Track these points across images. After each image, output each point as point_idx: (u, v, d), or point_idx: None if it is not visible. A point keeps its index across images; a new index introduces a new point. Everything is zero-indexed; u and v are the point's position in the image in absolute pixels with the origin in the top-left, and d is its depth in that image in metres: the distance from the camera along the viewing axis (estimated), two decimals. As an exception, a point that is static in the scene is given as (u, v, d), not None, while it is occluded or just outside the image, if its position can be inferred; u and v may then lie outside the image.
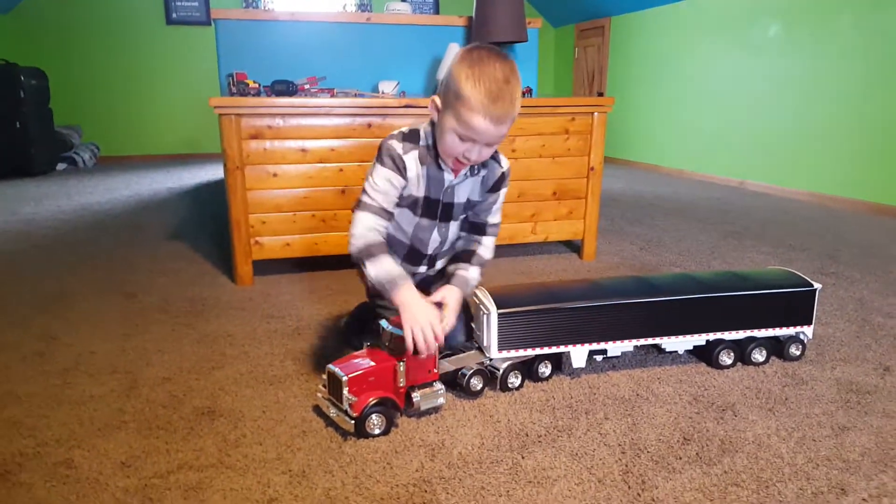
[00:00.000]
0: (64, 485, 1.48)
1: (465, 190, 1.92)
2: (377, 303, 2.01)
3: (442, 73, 3.55)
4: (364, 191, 1.81)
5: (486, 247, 2.00)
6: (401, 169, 1.80)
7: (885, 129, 4.90)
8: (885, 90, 4.88)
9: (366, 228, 1.75)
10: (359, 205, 1.79)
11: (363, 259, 1.72)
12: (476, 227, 2.02)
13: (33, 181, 6.28)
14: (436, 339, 1.68)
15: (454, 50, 3.57)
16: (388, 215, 1.82)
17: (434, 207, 1.91)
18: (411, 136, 1.83)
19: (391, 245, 1.90)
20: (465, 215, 2.00)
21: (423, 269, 2.05)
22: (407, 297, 1.69)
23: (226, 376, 2.03)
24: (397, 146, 1.80)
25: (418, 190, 1.86)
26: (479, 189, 1.96)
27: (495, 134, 1.68)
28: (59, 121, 7.44)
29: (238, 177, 2.82)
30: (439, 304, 1.80)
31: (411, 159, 1.81)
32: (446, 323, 1.77)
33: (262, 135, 2.82)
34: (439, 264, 2.09)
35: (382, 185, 1.79)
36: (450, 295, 1.84)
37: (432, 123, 1.82)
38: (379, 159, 1.81)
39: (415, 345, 1.67)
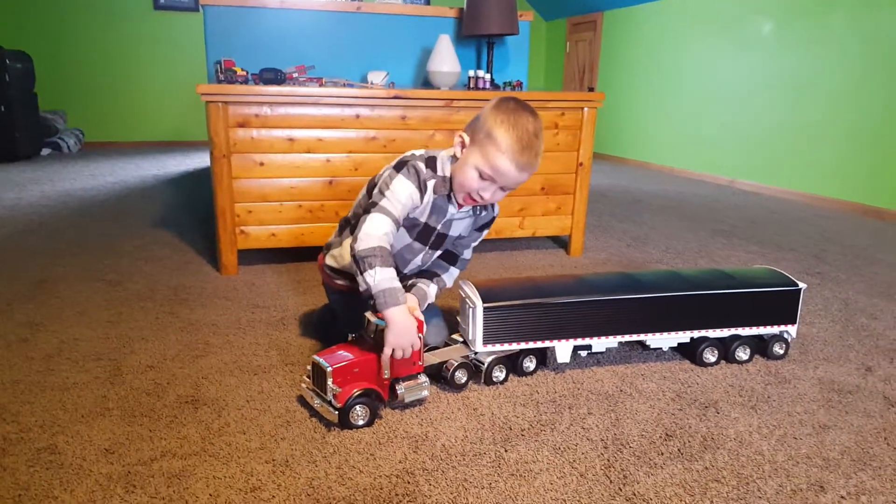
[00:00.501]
0: (47, 470, 1.47)
1: (461, 225, 1.99)
2: (332, 297, 2.11)
3: (432, 66, 3.55)
4: (382, 194, 1.78)
5: (451, 276, 2.09)
6: (422, 190, 1.82)
7: (875, 131, 4.93)
8: (876, 91, 4.91)
9: (382, 232, 1.70)
10: (376, 207, 1.75)
11: (371, 261, 1.65)
12: (449, 257, 2.09)
13: (17, 166, 6.22)
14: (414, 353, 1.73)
15: (445, 42, 3.56)
16: (399, 227, 1.80)
17: (429, 234, 1.95)
18: (431, 163, 1.86)
19: None
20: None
21: None
22: (398, 316, 1.66)
23: (210, 365, 2.03)
24: (423, 169, 1.82)
25: (423, 216, 1.89)
26: (471, 227, 2.03)
27: (515, 179, 1.77)
28: (44, 105, 7.37)
29: (224, 165, 2.80)
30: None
31: (430, 186, 1.84)
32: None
33: (250, 123, 2.81)
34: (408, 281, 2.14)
35: (405, 197, 1.78)
36: (409, 301, 1.85)
37: (454, 157, 1.86)
38: (404, 173, 1.80)
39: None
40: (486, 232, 2.10)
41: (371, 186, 1.92)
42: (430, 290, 2.01)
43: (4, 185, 5.18)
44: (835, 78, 5.24)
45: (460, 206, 1.90)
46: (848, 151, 5.16)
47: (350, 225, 2.00)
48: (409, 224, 1.90)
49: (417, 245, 1.96)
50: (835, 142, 5.27)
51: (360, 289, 1.69)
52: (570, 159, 3.31)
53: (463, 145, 1.81)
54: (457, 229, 1.99)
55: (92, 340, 2.20)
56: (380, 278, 1.65)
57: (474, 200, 1.85)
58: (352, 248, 1.70)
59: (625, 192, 5.73)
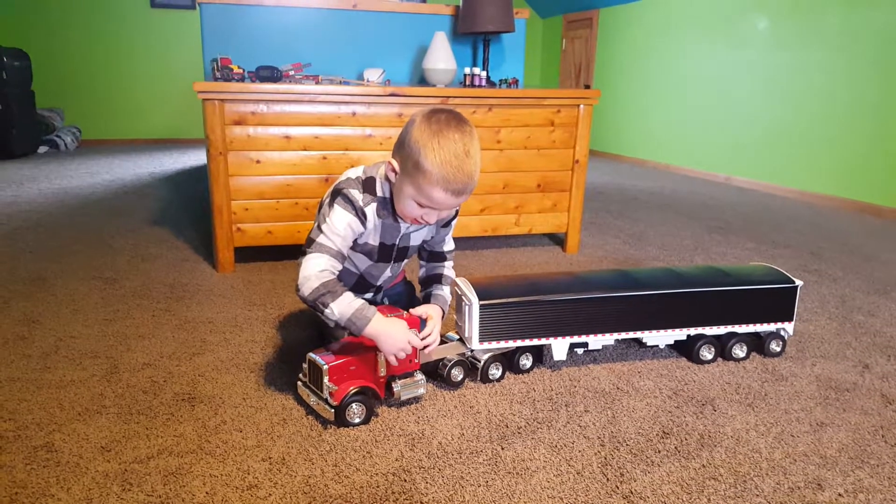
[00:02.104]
0: (44, 468, 1.47)
1: (420, 235, 1.97)
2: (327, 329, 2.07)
3: (428, 63, 3.55)
4: (319, 231, 1.74)
5: (449, 269, 2.07)
6: (361, 218, 1.78)
7: (871, 128, 4.93)
8: (871, 88, 4.91)
9: (319, 270, 1.67)
10: (311, 245, 1.72)
11: (323, 300, 1.64)
12: (435, 256, 2.06)
13: (14, 164, 6.20)
14: (412, 350, 1.74)
15: (441, 39, 3.55)
16: (343, 258, 1.77)
17: (389, 251, 1.94)
18: (368, 186, 1.80)
19: (340, 276, 1.90)
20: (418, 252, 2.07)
21: (369, 295, 2.09)
22: (379, 328, 1.66)
23: (206, 363, 2.02)
24: (358, 196, 1.77)
25: (374, 238, 1.87)
26: (433, 230, 2.00)
27: (455, 203, 1.72)
28: (41, 103, 7.35)
29: (221, 163, 2.80)
30: (421, 318, 1.84)
31: (371, 211, 1.80)
32: (431, 339, 1.81)
33: (246, 121, 2.80)
34: (384, 290, 2.16)
35: (342, 228, 1.75)
36: (433, 311, 1.87)
37: (388, 180, 1.79)
38: (339, 202, 1.77)
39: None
40: (454, 222, 2.03)
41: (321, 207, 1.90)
42: (446, 291, 2.02)
43: (1, 182, 5.16)
44: (830, 75, 5.24)
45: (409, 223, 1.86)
46: (844, 148, 5.17)
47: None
48: (363, 250, 1.90)
49: (381, 264, 1.98)
50: (831, 139, 5.27)
51: (330, 325, 1.71)
52: (566, 156, 3.31)
53: (395, 172, 1.73)
54: (417, 239, 1.97)
55: (89, 338, 2.19)
56: (340, 310, 1.64)
57: (420, 223, 1.81)
58: (299, 294, 1.67)
59: (621, 189, 5.73)
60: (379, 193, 1.80)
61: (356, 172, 1.84)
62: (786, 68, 5.66)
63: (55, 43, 7.62)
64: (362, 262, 1.96)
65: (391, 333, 1.67)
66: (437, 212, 1.74)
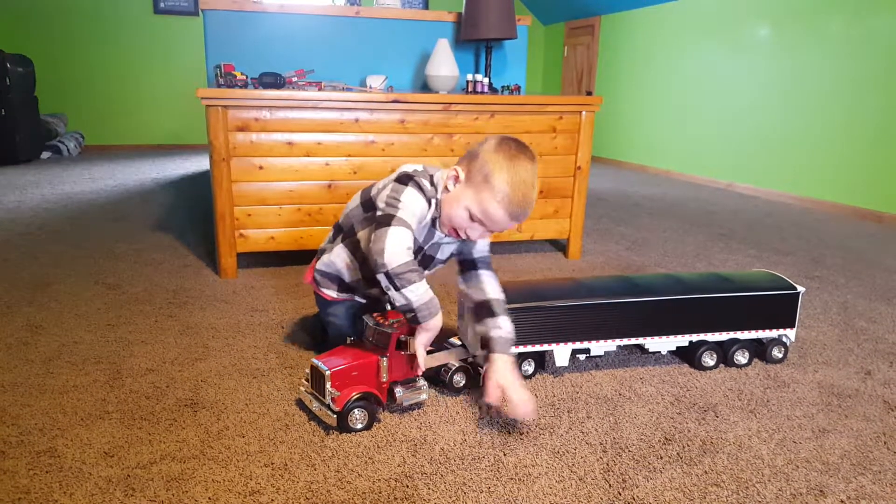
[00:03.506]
0: (47, 473, 1.47)
1: (449, 248, 1.94)
2: (328, 312, 2.04)
3: (430, 70, 3.56)
4: (394, 206, 1.68)
5: (491, 285, 1.89)
6: (428, 204, 1.76)
7: (872, 135, 4.94)
8: (873, 95, 4.92)
9: (406, 246, 1.63)
10: (394, 219, 1.65)
11: (409, 276, 1.60)
12: (466, 264, 1.94)
13: (17, 169, 6.22)
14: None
15: (443, 46, 3.56)
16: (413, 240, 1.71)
17: (417, 253, 1.87)
18: (433, 183, 1.79)
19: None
20: (441, 266, 2.00)
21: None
22: (436, 324, 1.68)
23: (209, 368, 2.03)
24: (428, 186, 1.76)
25: (419, 236, 1.83)
26: (461, 246, 1.95)
27: (505, 225, 1.73)
28: (44, 109, 7.38)
29: (224, 169, 2.81)
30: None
31: (433, 204, 1.79)
32: (515, 398, 1.68)
33: (249, 127, 2.81)
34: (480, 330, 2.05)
35: (418, 210, 1.72)
36: (503, 370, 1.73)
37: (446, 188, 1.78)
38: (412, 185, 1.73)
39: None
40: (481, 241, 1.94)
41: (366, 198, 1.88)
42: (504, 326, 1.81)
43: (5, 188, 5.18)
44: (832, 81, 5.25)
45: (446, 234, 1.85)
46: (845, 155, 5.17)
47: (343, 231, 1.96)
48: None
49: None
50: (832, 145, 5.28)
51: (396, 303, 1.64)
52: (568, 163, 3.32)
53: (457, 179, 1.74)
54: (444, 252, 1.93)
55: (91, 343, 2.20)
56: (420, 293, 1.62)
57: (458, 235, 1.80)
58: (379, 264, 1.60)
59: (623, 195, 5.74)
60: (438, 194, 1.79)
61: (420, 167, 1.82)
62: (787, 75, 5.66)
63: (58, 49, 7.65)
64: None
65: (437, 330, 1.70)
66: (482, 230, 1.75)
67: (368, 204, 1.86)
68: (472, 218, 1.73)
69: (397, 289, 1.61)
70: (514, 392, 1.68)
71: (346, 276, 1.96)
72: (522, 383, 1.74)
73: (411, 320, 1.67)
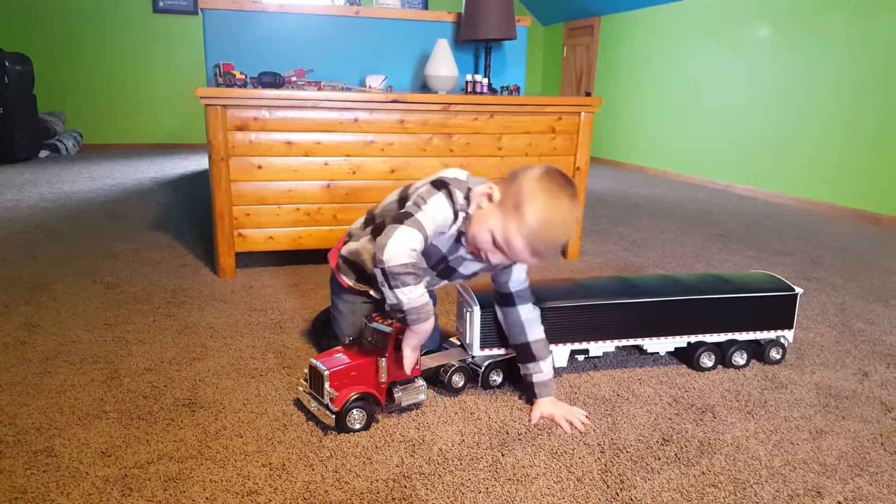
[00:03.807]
0: (44, 473, 1.47)
1: (474, 266, 1.86)
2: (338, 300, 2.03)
3: (430, 70, 3.56)
4: (418, 207, 1.66)
5: (531, 327, 1.86)
6: (455, 218, 1.70)
7: (871, 136, 4.94)
8: (871, 96, 4.92)
9: (411, 247, 1.60)
10: (408, 219, 1.63)
11: (405, 279, 1.58)
12: (504, 299, 1.88)
13: (15, 168, 6.21)
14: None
15: (443, 46, 3.56)
16: (426, 244, 1.67)
17: (440, 262, 1.83)
18: (468, 196, 1.71)
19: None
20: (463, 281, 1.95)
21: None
22: (427, 329, 1.64)
23: (207, 368, 2.03)
24: (461, 198, 1.69)
25: (444, 245, 1.79)
26: (489, 267, 1.85)
27: (525, 259, 1.66)
28: (42, 107, 7.38)
29: (223, 168, 2.81)
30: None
31: (461, 218, 1.71)
32: (564, 425, 1.75)
33: (248, 126, 2.81)
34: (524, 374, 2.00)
35: (440, 218, 1.67)
36: (548, 408, 1.80)
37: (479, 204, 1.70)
38: (444, 192, 1.68)
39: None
40: (514, 269, 1.85)
41: (403, 195, 1.83)
42: (545, 369, 1.85)
43: (3, 186, 5.17)
44: (831, 83, 5.26)
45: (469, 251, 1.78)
46: (844, 156, 5.17)
47: (374, 224, 1.92)
48: (427, 250, 1.78)
49: (428, 270, 1.86)
50: (831, 147, 5.28)
51: (388, 302, 1.63)
52: (567, 163, 3.32)
53: (490, 198, 1.65)
54: (468, 269, 1.86)
55: (89, 343, 2.19)
56: (414, 296, 1.59)
57: (480, 256, 1.73)
58: (378, 259, 1.59)
59: (622, 196, 5.74)
60: (470, 209, 1.70)
61: (462, 175, 1.76)
62: (787, 76, 5.67)
63: (57, 47, 7.65)
64: None
65: (426, 334, 1.66)
66: (503, 257, 1.66)
67: (404, 201, 1.80)
68: (494, 242, 1.64)
69: (391, 287, 1.59)
70: (562, 421, 1.75)
71: (368, 268, 1.92)
72: (565, 407, 1.80)
73: (401, 321, 1.65)
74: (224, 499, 1.40)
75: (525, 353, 1.86)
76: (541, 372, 1.83)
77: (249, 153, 2.84)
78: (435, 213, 1.66)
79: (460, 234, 1.74)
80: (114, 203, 4.65)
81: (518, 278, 1.86)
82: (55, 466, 1.49)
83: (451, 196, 1.68)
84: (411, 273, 1.58)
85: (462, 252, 1.79)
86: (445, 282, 1.93)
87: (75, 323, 2.37)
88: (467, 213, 1.70)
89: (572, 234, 1.63)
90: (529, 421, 1.78)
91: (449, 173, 1.76)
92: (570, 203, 1.60)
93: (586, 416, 1.78)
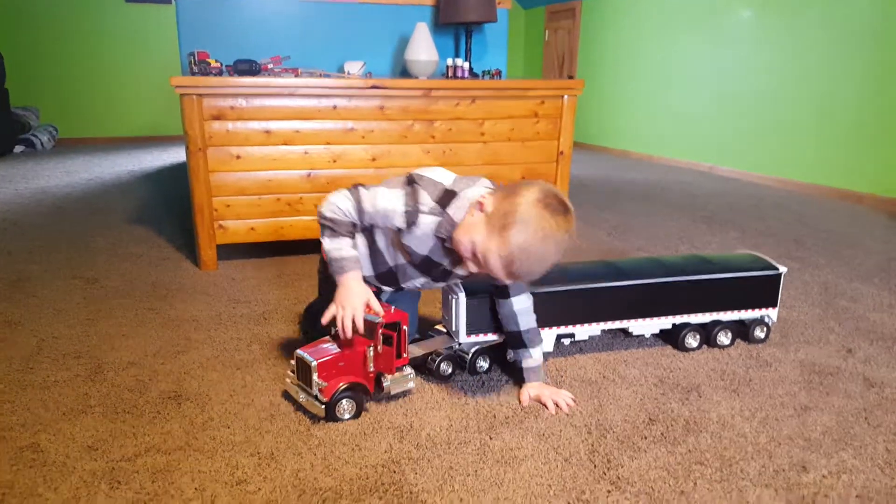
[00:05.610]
0: (30, 468, 1.46)
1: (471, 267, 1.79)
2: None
3: (409, 55, 3.53)
4: (375, 187, 1.69)
5: (524, 317, 1.86)
6: (407, 221, 1.66)
7: (851, 118, 4.97)
8: (851, 78, 4.95)
9: (339, 206, 1.67)
10: (358, 187, 1.70)
11: (327, 227, 1.71)
12: (499, 291, 1.87)
13: (-9, 163, 6.14)
14: (355, 328, 1.65)
15: (422, 30, 3.54)
16: (360, 227, 1.75)
17: (432, 266, 1.79)
18: (445, 199, 1.67)
19: (373, 256, 1.84)
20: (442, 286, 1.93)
21: (389, 289, 1.95)
22: (348, 281, 1.67)
23: (191, 360, 2.01)
24: (426, 202, 1.66)
25: (421, 248, 1.74)
26: None
27: (501, 279, 1.61)
28: (15, 102, 7.27)
29: (200, 159, 2.78)
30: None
31: (422, 222, 1.66)
32: (550, 405, 1.77)
33: (225, 115, 2.78)
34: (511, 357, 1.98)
35: (381, 208, 1.67)
36: (536, 390, 1.81)
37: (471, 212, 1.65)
38: (406, 191, 1.68)
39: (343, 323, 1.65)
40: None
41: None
42: (534, 355, 1.86)
43: (-22, 183, 5.11)
44: (811, 65, 5.28)
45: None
46: (825, 137, 5.20)
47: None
48: (410, 253, 1.77)
49: (422, 279, 1.86)
50: (813, 128, 5.31)
51: (323, 247, 1.74)
52: (550, 148, 3.31)
53: (482, 208, 1.58)
54: (463, 270, 1.78)
55: (71, 338, 2.17)
56: (331, 246, 1.70)
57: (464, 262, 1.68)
58: (319, 209, 1.73)
59: (605, 180, 5.75)
60: (450, 212, 1.65)
61: (447, 178, 1.73)
62: (768, 59, 5.69)
63: (28, 39, 7.52)
64: (400, 259, 1.82)
65: (352, 291, 1.67)
66: (478, 269, 1.62)
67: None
68: (474, 254, 1.58)
69: (322, 234, 1.73)
70: (548, 401, 1.77)
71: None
72: (552, 389, 1.81)
73: (334, 274, 1.71)
74: (213, 489, 1.39)
75: (516, 341, 1.87)
76: (531, 357, 1.86)
77: (227, 143, 2.81)
78: (381, 197, 1.68)
79: (437, 236, 1.69)
80: (92, 197, 4.60)
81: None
82: (41, 461, 1.48)
83: (412, 196, 1.66)
84: (328, 227, 1.71)
85: (437, 257, 1.75)
86: (444, 283, 1.91)
87: (56, 319, 2.35)
88: (448, 216, 1.65)
89: (559, 260, 1.57)
90: (519, 403, 1.79)
91: (429, 172, 1.74)
92: (560, 236, 1.52)
93: (573, 399, 1.79)
